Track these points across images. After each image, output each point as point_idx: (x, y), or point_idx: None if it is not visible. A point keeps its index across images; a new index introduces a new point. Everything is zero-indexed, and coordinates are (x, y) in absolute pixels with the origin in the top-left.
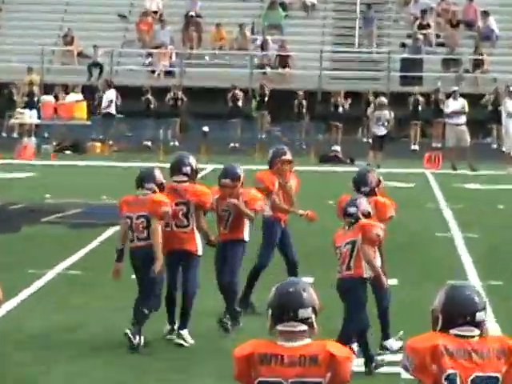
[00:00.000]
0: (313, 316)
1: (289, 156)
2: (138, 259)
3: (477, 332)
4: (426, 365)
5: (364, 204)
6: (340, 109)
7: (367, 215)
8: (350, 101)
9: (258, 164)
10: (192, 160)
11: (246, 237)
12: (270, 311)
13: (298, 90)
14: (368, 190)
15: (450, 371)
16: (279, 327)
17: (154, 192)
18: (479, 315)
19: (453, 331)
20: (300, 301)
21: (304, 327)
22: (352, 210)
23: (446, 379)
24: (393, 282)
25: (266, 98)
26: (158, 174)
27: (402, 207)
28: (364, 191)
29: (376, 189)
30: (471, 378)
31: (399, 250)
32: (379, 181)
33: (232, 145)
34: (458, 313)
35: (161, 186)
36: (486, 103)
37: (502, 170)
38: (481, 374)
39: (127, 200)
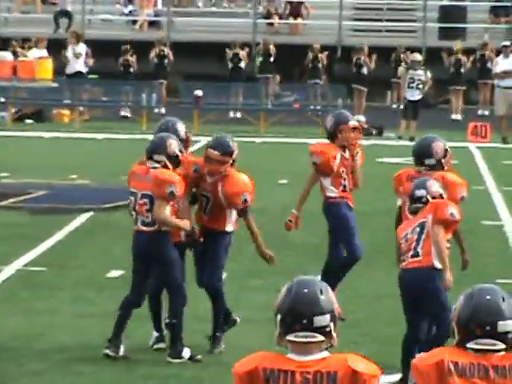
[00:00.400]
0: (331, 324)
1: (354, 122)
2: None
3: (500, 346)
4: None
5: (435, 185)
6: (364, 69)
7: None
8: (375, 58)
9: (263, 136)
10: (181, 127)
11: (231, 227)
12: (278, 317)
13: (313, 44)
14: (434, 162)
15: None
16: (290, 337)
17: (164, 166)
18: (502, 325)
19: (470, 345)
20: (316, 306)
21: (320, 337)
22: (420, 192)
23: None
24: None
25: (272, 58)
26: (173, 143)
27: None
28: (428, 164)
29: (443, 161)
30: None
31: None
32: (446, 151)
33: (232, 114)
34: (474, 322)
35: (174, 159)
36: None
37: None
38: None
39: (135, 172)
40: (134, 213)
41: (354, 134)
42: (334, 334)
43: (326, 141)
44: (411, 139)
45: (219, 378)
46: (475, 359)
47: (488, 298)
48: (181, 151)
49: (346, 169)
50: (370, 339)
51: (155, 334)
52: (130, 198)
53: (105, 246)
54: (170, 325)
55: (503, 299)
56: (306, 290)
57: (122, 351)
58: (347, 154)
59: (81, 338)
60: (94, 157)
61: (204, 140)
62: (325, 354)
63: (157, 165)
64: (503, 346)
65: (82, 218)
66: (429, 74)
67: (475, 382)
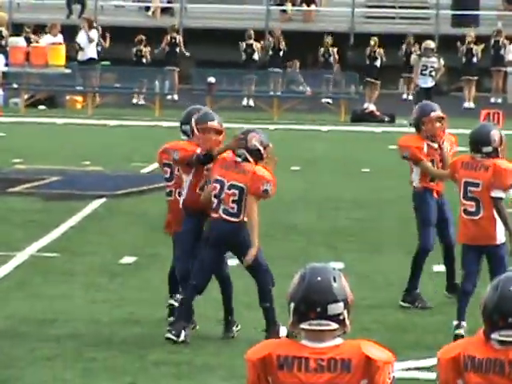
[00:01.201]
0: (345, 311)
1: (439, 111)
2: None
3: None
4: (449, 381)
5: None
6: (377, 62)
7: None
8: (383, 50)
9: (276, 123)
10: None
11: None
12: (292, 305)
13: (326, 31)
14: (491, 150)
15: None
16: (304, 325)
17: (245, 160)
18: None
19: (494, 336)
20: (330, 294)
21: (334, 325)
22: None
23: None
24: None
25: (282, 52)
26: (254, 137)
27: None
28: (486, 152)
29: (499, 149)
30: None
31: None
32: (502, 139)
33: (245, 102)
34: (498, 312)
35: (256, 153)
36: None
37: None
38: None
39: (225, 160)
40: (215, 200)
41: (438, 125)
42: (348, 322)
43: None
44: None
45: (231, 364)
46: (493, 354)
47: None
48: (263, 145)
49: (435, 158)
50: (383, 326)
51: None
52: (215, 184)
53: (118, 232)
54: (265, 309)
55: None
56: (319, 278)
57: (182, 336)
58: (435, 145)
59: (93, 324)
60: (107, 143)
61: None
62: (338, 340)
63: (239, 159)
64: None
65: (95, 204)
66: (442, 62)
67: (490, 377)
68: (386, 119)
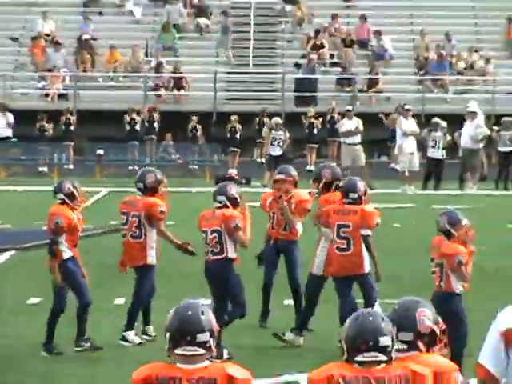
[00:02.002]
0: (211, 340)
1: (280, 175)
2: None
3: (382, 358)
4: None
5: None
6: (237, 134)
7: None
8: (241, 125)
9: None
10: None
11: None
12: (168, 334)
13: (193, 111)
14: (357, 196)
15: None
16: (178, 351)
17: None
18: (383, 340)
19: (357, 358)
20: (198, 325)
21: (202, 351)
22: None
23: None
24: None
25: (156, 124)
26: (233, 188)
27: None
28: (353, 198)
29: (363, 197)
30: None
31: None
32: (366, 190)
33: (130, 167)
34: (360, 339)
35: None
36: (387, 125)
37: (397, 189)
38: None
39: (204, 215)
40: (205, 246)
41: (277, 186)
42: (213, 347)
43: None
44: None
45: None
46: (360, 372)
47: (370, 318)
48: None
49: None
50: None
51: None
52: (203, 235)
53: (25, 278)
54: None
55: (382, 319)
56: (189, 312)
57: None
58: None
59: None
60: (16, 205)
61: (105, 190)
62: (206, 363)
63: (219, 204)
64: (384, 358)
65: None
66: (287, 134)
67: None
68: (244, 181)
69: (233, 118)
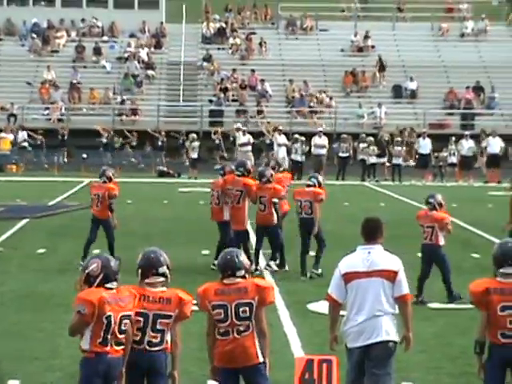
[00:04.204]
0: (167, 271)
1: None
2: None
3: None
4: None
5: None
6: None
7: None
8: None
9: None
10: None
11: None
12: (140, 270)
13: (144, 130)
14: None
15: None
16: (146, 280)
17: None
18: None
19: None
20: (160, 261)
21: (162, 279)
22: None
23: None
24: None
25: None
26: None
27: None
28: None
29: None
30: None
31: None
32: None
33: (104, 167)
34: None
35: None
36: (264, 139)
37: None
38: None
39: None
40: (300, 209)
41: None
42: (169, 277)
43: None
44: (195, 178)
45: None
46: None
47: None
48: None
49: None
50: None
51: None
52: (298, 203)
53: (37, 237)
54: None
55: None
56: (152, 255)
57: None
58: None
59: None
60: (28, 189)
61: (86, 180)
62: (164, 288)
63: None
64: None
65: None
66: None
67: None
68: (176, 175)
69: (162, 132)
